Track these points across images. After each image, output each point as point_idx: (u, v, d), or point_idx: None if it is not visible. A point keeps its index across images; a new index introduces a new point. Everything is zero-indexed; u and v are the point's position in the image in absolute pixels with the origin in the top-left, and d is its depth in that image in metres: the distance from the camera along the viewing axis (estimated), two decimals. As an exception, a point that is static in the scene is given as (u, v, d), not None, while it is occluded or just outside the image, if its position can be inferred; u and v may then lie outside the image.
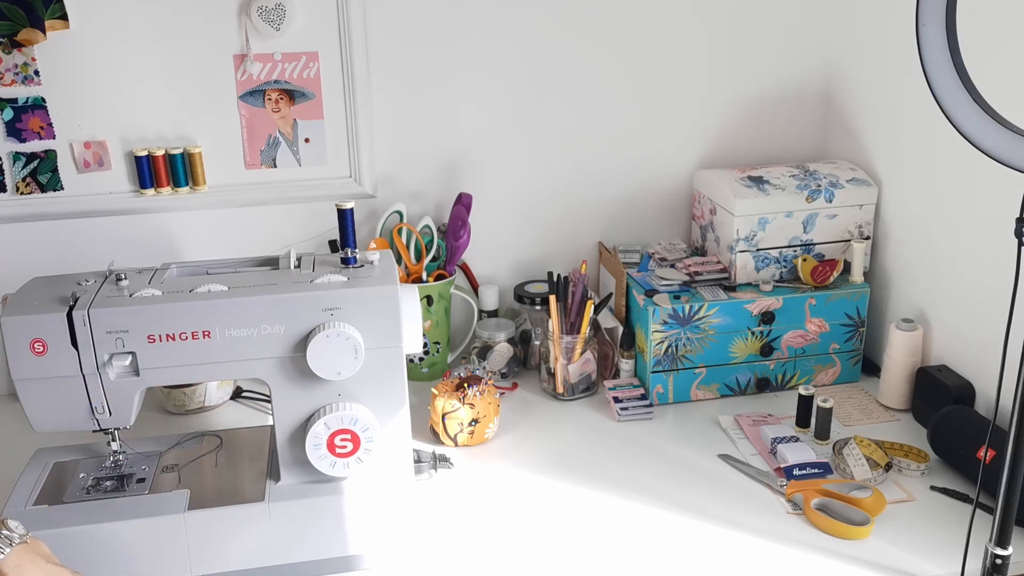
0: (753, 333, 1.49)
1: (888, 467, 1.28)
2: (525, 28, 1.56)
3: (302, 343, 1.06)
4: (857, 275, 1.53)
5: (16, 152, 1.47)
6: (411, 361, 1.58)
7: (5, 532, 0.88)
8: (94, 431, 1.10)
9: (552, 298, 1.49)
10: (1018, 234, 0.88)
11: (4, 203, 1.48)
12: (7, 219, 1.49)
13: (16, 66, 1.42)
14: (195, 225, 1.55)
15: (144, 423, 1.38)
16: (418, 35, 1.53)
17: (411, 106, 1.57)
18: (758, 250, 1.52)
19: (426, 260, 1.56)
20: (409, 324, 1.11)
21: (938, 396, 1.37)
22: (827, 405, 1.35)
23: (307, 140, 1.55)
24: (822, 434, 1.37)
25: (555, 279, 1.53)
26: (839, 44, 1.64)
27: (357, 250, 1.15)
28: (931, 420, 1.32)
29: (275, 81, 1.51)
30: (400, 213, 1.58)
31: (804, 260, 1.52)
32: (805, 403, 1.39)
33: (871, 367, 1.56)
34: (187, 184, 1.52)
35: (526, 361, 1.63)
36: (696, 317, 1.46)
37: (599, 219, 1.70)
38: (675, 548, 1.15)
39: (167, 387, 1.46)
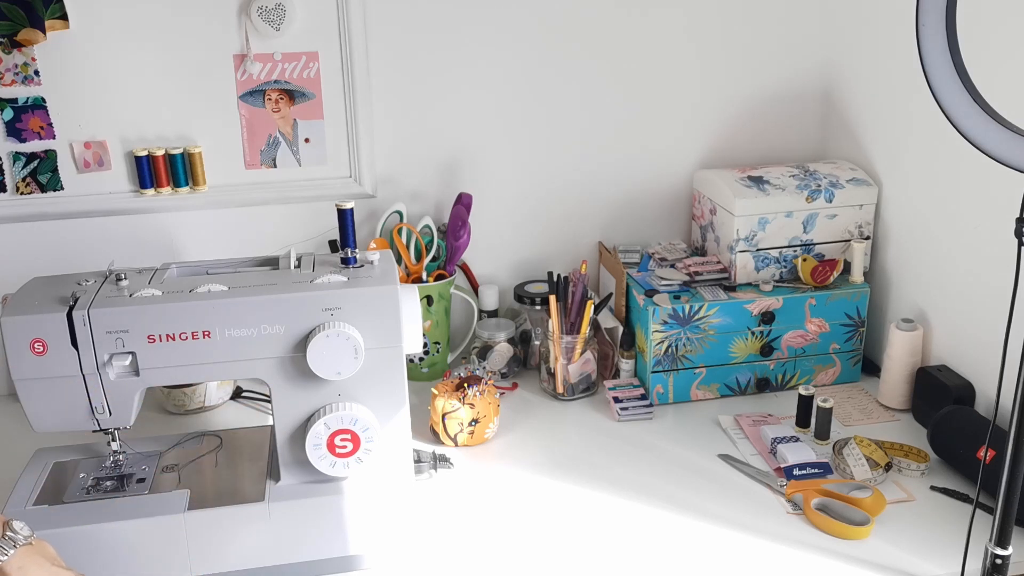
0: (753, 333, 1.49)
1: (888, 467, 1.28)
2: (525, 28, 1.56)
3: (302, 343, 1.06)
4: (857, 275, 1.53)
5: (16, 152, 1.47)
6: (411, 361, 1.58)
7: (9, 534, 0.88)
8: (94, 431, 1.10)
9: (552, 298, 1.49)
10: (1018, 234, 0.88)
11: (4, 203, 1.48)
12: (7, 219, 1.49)
13: (16, 66, 1.42)
14: (195, 225, 1.55)
15: (144, 423, 1.37)
16: (418, 35, 1.53)
17: (411, 106, 1.57)
18: (758, 250, 1.52)
19: (426, 260, 1.56)
20: (409, 324, 1.11)
21: (938, 396, 1.37)
22: (827, 405, 1.35)
23: (307, 140, 1.55)
24: (822, 434, 1.37)
25: (555, 279, 1.53)
26: (839, 44, 1.64)
27: (357, 250, 1.15)
28: (931, 420, 1.32)
29: (275, 81, 1.51)
30: (400, 213, 1.58)
31: (804, 260, 1.52)
32: (805, 403, 1.39)
33: (871, 367, 1.56)
34: (187, 184, 1.52)
35: (526, 361, 1.63)
36: (696, 317, 1.46)
37: (599, 219, 1.70)
38: (675, 548, 1.15)
39: (167, 387, 1.46)
